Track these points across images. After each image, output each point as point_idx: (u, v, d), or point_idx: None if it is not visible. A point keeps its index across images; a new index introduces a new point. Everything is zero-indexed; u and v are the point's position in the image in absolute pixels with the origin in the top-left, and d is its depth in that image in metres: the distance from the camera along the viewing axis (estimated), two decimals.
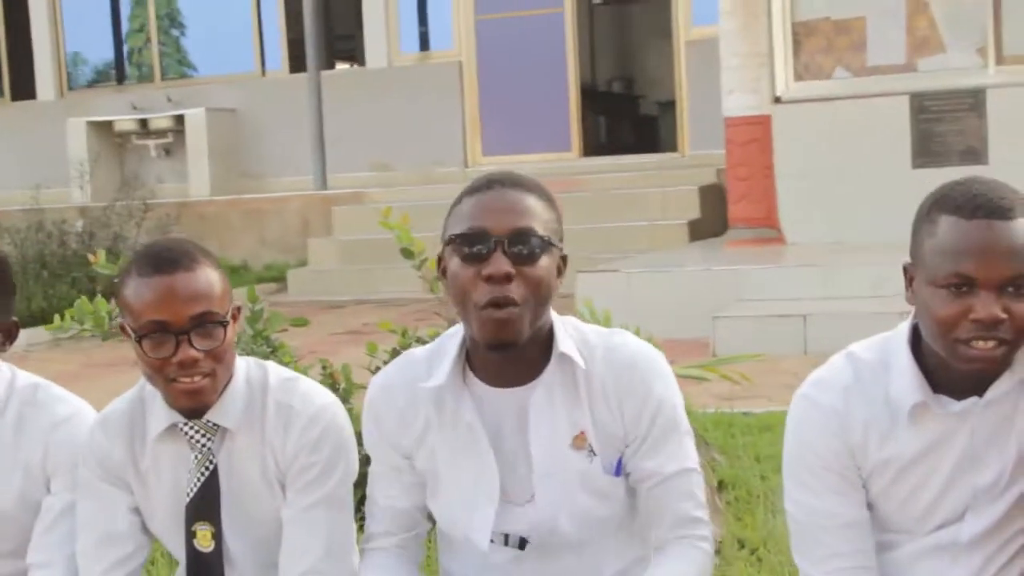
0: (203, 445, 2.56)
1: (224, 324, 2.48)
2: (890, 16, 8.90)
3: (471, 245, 2.27)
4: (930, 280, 2.17)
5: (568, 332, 2.40)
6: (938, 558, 2.31)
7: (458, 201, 2.35)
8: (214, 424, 2.56)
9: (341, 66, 15.27)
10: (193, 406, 2.51)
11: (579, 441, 2.38)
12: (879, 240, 8.53)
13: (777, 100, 9.08)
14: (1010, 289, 2.12)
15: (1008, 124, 8.54)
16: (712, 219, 10.87)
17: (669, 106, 13.25)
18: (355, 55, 15.05)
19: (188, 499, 2.57)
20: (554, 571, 2.43)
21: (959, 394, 2.24)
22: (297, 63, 14.08)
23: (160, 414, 2.58)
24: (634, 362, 2.39)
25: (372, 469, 2.53)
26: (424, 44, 14.03)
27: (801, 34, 9.09)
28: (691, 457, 2.42)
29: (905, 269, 2.28)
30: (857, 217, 8.65)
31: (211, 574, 2.59)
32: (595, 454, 2.38)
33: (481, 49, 13.46)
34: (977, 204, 2.15)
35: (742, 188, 9.26)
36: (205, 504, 2.57)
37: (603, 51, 15.09)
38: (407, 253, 4.48)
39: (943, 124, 8.67)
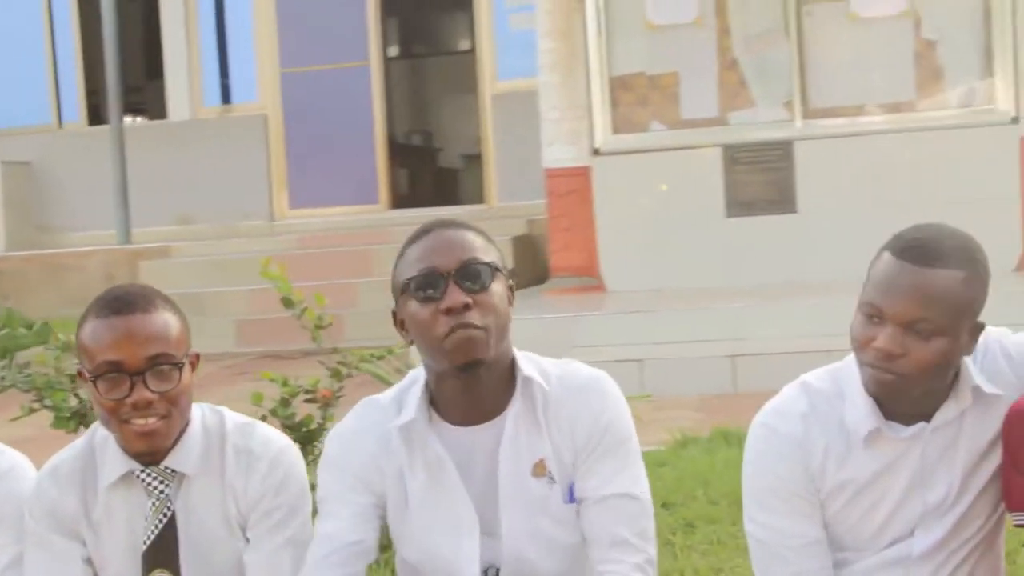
0: (160, 491, 2.56)
1: (179, 367, 2.49)
2: (702, 72, 9.27)
3: (425, 287, 2.38)
4: (859, 304, 2.36)
5: (528, 360, 2.50)
6: (891, 572, 2.45)
7: (402, 253, 2.48)
8: (171, 470, 2.55)
9: (135, 119, 15.00)
10: (147, 449, 2.51)
11: (539, 469, 2.47)
12: (696, 286, 8.87)
13: (596, 152, 9.34)
14: (916, 330, 2.29)
15: (815, 174, 8.98)
16: (525, 269, 11.07)
17: (475, 159, 13.44)
18: (149, 107, 14.84)
19: (145, 546, 2.56)
20: None
21: (908, 420, 2.41)
22: (94, 115, 13.80)
23: (114, 462, 2.57)
24: (587, 385, 2.52)
25: (325, 510, 2.53)
26: (228, 97, 13.90)
27: (618, 88, 9.38)
28: (638, 485, 2.51)
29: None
30: (675, 264, 8.95)
31: None
32: (554, 481, 2.47)
33: (287, 102, 13.42)
34: (911, 247, 2.34)
35: (563, 238, 9.47)
36: (163, 551, 2.56)
37: (409, 104, 15.22)
38: (287, 302, 4.49)
39: (754, 175, 9.06)
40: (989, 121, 8.78)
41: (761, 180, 9.04)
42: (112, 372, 2.44)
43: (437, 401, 2.48)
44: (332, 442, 2.57)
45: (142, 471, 2.55)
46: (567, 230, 9.43)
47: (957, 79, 8.99)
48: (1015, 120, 8.69)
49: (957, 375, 2.40)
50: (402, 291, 2.43)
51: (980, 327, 2.36)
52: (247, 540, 2.58)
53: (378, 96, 13.32)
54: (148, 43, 14.37)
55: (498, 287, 2.41)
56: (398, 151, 14.05)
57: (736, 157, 9.10)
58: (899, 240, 2.36)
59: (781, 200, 8.96)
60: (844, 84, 9.09)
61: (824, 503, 2.47)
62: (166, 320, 2.50)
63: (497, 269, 2.42)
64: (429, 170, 15.14)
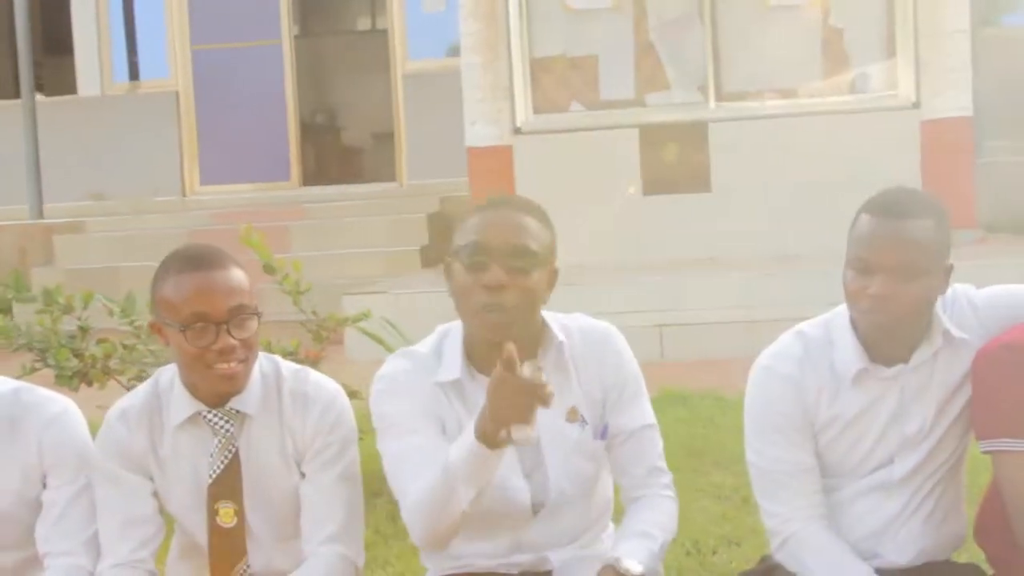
0: (226, 431, 2.82)
1: (256, 316, 2.76)
2: (620, 55, 9.62)
3: (472, 256, 2.65)
4: (848, 261, 2.75)
5: (553, 320, 2.80)
6: (875, 495, 2.85)
7: (469, 215, 2.75)
8: (235, 411, 2.82)
9: (45, 95, 14.93)
10: (230, 389, 2.78)
11: (572, 415, 2.80)
12: (615, 262, 9.23)
13: (517, 131, 9.65)
14: (903, 273, 2.67)
15: (728, 154, 9.40)
16: (440, 246, 11.32)
17: (387, 137, 13.65)
18: (59, 83, 14.79)
19: (211, 480, 2.82)
20: (558, 529, 2.82)
21: (889, 362, 2.80)
22: (4, 90, 13.74)
23: (181, 403, 2.83)
24: (605, 336, 2.86)
25: (399, 430, 2.71)
26: (138, 73, 13.93)
27: (539, 70, 9.70)
28: (652, 415, 2.88)
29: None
30: (595, 241, 9.27)
31: (234, 546, 2.85)
32: (586, 423, 2.80)
33: (198, 79, 13.49)
34: (887, 205, 2.75)
35: None
36: (228, 484, 2.83)
37: (321, 83, 15.35)
38: (269, 268, 4.74)
39: (670, 155, 9.44)
40: (891, 106, 9.27)
41: (676, 160, 9.42)
42: (199, 322, 2.70)
43: (471, 355, 2.76)
44: (386, 380, 2.78)
45: (209, 411, 2.81)
46: None
47: (862, 65, 9.46)
48: (916, 105, 9.19)
49: (930, 322, 2.78)
50: (455, 252, 2.70)
51: (950, 267, 2.76)
52: (303, 475, 2.85)
53: (290, 74, 13.46)
54: (58, 18, 14.31)
55: (539, 274, 2.66)
56: (310, 129, 14.20)
57: (652, 138, 9.47)
58: (874, 202, 2.76)
59: (696, 179, 9.35)
60: (756, 69, 9.51)
61: (816, 436, 2.84)
62: (240, 275, 2.78)
63: (543, 259, 2.67)
64: (340, 148, 15.29)
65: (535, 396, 2.40)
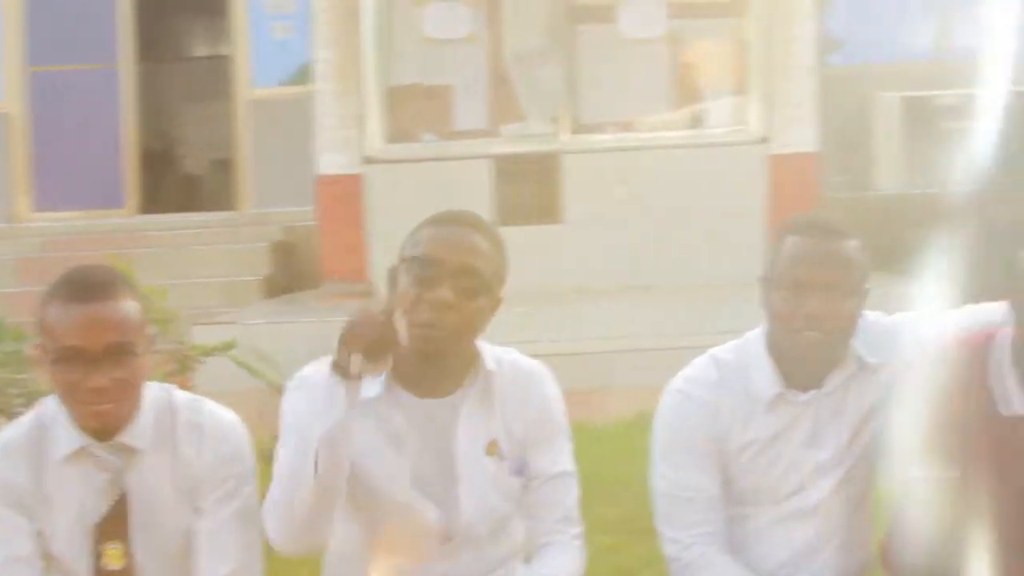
0: (114, 466, 2.66)
1: (135, 354, 2.59)
2: (475, 85, 9.59)
3: (418, 269, 2.56)
4: (775, 283, 2.75)
5: (486, 350, 2.72)
6: (790, 522, 2.84)
7: (421, 226, 2.67)
8: (124, 445, 2.66)
9: None
10: (101, 428, 2.62)
11: (491, 448, 2.72)
12: None
13: (369, 160, 9.52)
14: (838, 291, 2.69)
15: (580, 186, 9.40)
16: (285, 275, 11.14)
17: (228, 164, 13.37)
18: None
19: (98, 519, 2.65)
20: (463, 566, 2.72)
21: (804, 388, 2.80)
22: None
23: (66, 436, 2.66)
24: (535, 375, 2.80)
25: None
26: None
27: (393, 98, 9.60)
28: (571, 463, 2.83)
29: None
30: None
31: None
32: (505, 458, 2.71)
33: (33, 101, 13.04)
34: (815, 226, 2.77)
35: (335, 244, 9.61)
36: (115, 524, 2.66)
37: (160, 108, 14.99)
38: None
39: (522, 185, 9.41)
40: (740, 140, 9.40)
41: (529, 191, 9.40)
42: (72, 357, 2.53)
43: (396, 367, 2.63)
44: (304, 384, 2.64)
45: (96, 446, 2.64)
46: (338, 236, 9.58)
47: (713, 99, 9.60)
48: (764, 140, 9.34)
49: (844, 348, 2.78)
50: (402, 259, 2.63)
51: (868, 290, 2.78)
52: (197, 511, 2.70)
53: (128, 99, 13.09)
54: None
55: (484, 300, 2.61)
56: (147, 155, 13.82)
57: (505, 168, 9.44)
58: (800, 223, 2.77)
59: (548, 211, 9.33)
60: (610, 101, 9.56)
61: (728, 462, 2.82)
62: (128, 307, 2.60)
63: (492, 284, 2.62)
64: (179, 175, 14.95)
65: (387, 330, 2.37)
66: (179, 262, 11.23)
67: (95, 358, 2.53)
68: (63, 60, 12.91)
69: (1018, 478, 2.60)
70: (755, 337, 2.86)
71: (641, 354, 7.78)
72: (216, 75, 13.72)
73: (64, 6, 12.96)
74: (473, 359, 2.70)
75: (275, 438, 4.14)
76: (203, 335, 7.87)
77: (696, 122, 9.59)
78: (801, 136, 9.28)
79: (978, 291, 2.87)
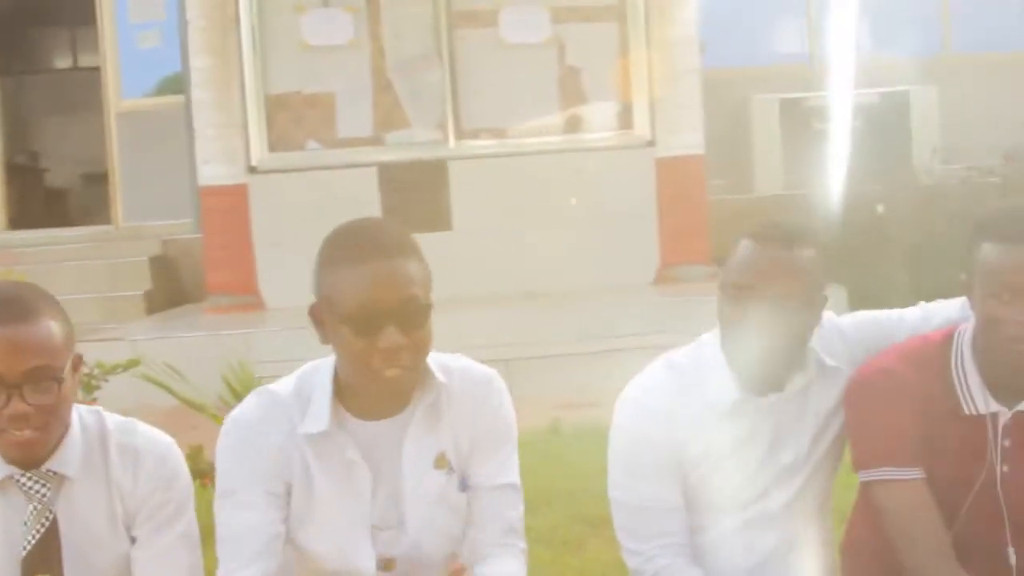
0: (42, 495, 2.50)
1: (59, 379, 2.44)
2: (357, 92, 9.43)
3: (362, 322, 2.38)
4: (723, 287, 2.66)
5: (433, 361, 2.58)
6: (753, 529, 2.76)
7: (336, 263, 2.43)
8: (52, 472, 2.50)
9: None
10: (24, 458, 2.46)
11: (440, 461, 2.59)
12: None
13: (253, 170, 9.32)
14: (787, 302, 2.59)
15: (468, 193, 9.33)
16: (164, 290, 10.87)
17: (100, 178, 13.02)
18: None
19: (25, 552, 2.49)
20: None
21: (763, 392, 2.71)
22: None
23: None
24: (484, 381, 2.66)
25: (236, 500, 2.52)
26: None
27: (274, 107, 9.40)
28: (517, 476, 2.69)
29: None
30: None
31: None
32: (453, 470, 2.60)
33: None
34: (772, 232, 2.67)
35: (220, 256, 9.38)
36: (45, 556, 2.51)
37: (27, 122, 14.56)
38: None
39: (410, 193, 9.29)
40: (627, 143, 9.40)
41: (417, 198, 9.28)
42: None
43: (342, 394, 2.53)
44: (235, 431, 2.54)
45: (22, 475, 2.49)
46: (224, 248, 9.36)
47: (600, 104, 9.57)
48: (651, 143, 9.36)
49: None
50: (331, 304, 2.42)
51: (825, 299, 2.68)
52: (132, 540, 2.55)
53: None
54: None
55: (430, 325, 2.45)
56: (14, 170, 13.42)
57: (392, 176, 9.31)
58: (759, 227, 2.66)
59: (436, 218, 9.22)
60: (495, 106, 9.48)
61: (689, 471, 2.73)
62: (49, 329, 2.43)
63: (430, 306, 2.45)
64: (48, 190, 14.53)
65: None
66: (56, 278, 10.88)
67: (14, 384, 2.37)
68: None
69: (980, 477, 2.57)
70: (710, 341, 2.76)
71: (536, 361, 7.73)
72: (84, 87, 13.36)
73: None
74: (422, 374, 2.56)
75: (197, 453, 4.01)
76: (87, 354, 7.62)
77: (582, 125, 9.56)
78: (687, 138, 9.31)
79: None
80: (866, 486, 2.65)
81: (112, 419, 2.61)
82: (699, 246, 9.28)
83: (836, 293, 7.77)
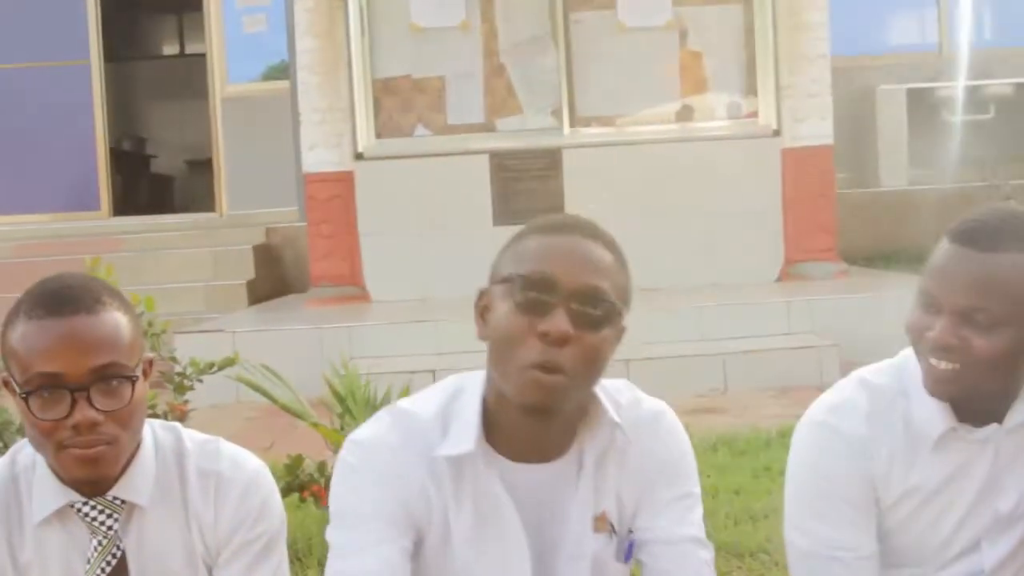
0: (108, 527, 2.12)
1: (132, 380, 2.06)
2: (468, 77, 9.08)
3: (532, 292, 1.96)
4: (917, 293, 2.16)
5: (606, 396, 2.10)
6: None
7: (523, 235, 2.04)
8: (120, 501, 2.12)
9: None
10: (91, 478, 2.08)
11: (600, 523, 2.11)
12: (462, 296, 8.63)
13: (359, 156, 9.00)
14: (977, 319, 2.09)
15: (583, 183, 8.91)
16: (269, 279, 10.64)
17: (205, 165, 12.85)
18: None
19: None
20: None
21: (978, 422, 2.22)
22: None
23: (46, 492, 2.12)
24: (656, 418, 2.17)
25: (355, 543, 2.04)
26: None
27: (381, 91, 9.08)
28: (702, 528, 2.18)
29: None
30: (440, 273, 8.69)
31: None
32: (615, 533, 2.13)
33: None
34: (969, 230, 2.14)
35: (325, 245, 9.07)
36: None
37: (134, 107, 14.45)
38: None
39: (522, 182, 8.91)
40: (752, 133, 8.93)
41: (529, 188, 8.90)
42: (48, 387, 1.99)
43: (490, 426, 2.06)
44: (369, 455, 2.06)
45: (84, 503, 2.11)
46: (329, 237, 9.05)
47: (722, 91, 9.12)
48: (777, 133, 8.87)
49: None
50: (502, 280, 2.01)
51: None
52: None
53: (99, 97, 12.54)
54: None
55: (610, 331, 1.98)
56: (121, 156, 13.30)
57: (504, 164, 8.94)
58: (958, 223, 2.16)
59: (549, 208, 8.79)
60: (612, 93, 9.07)
61: (887, 513, 2.26)
62: (116, 321, 2.05)
63: (619, 310, 1.99)
64: (154, 176, 14.41)
65: None
66: (159, 266, 10.73)
67: (80, 386, 2.00)
68: (29, 57, 12.36)
69: None
70: (913, 356, 2.24)
71: (659, 362, 7.28)
72: (191, 72, 13.20)
73: (30, 3, 12.38)
74: (588, 409, 2.08)
75: (297, 463, 3.64)
76: (187, 345, 7.34)
77: (704, 113, 9.10)
78: (816, 128, 8.80)
79: None
80: None
81: (192, 437, 2.21)
82: (827, 242, 8.80)
83: None
